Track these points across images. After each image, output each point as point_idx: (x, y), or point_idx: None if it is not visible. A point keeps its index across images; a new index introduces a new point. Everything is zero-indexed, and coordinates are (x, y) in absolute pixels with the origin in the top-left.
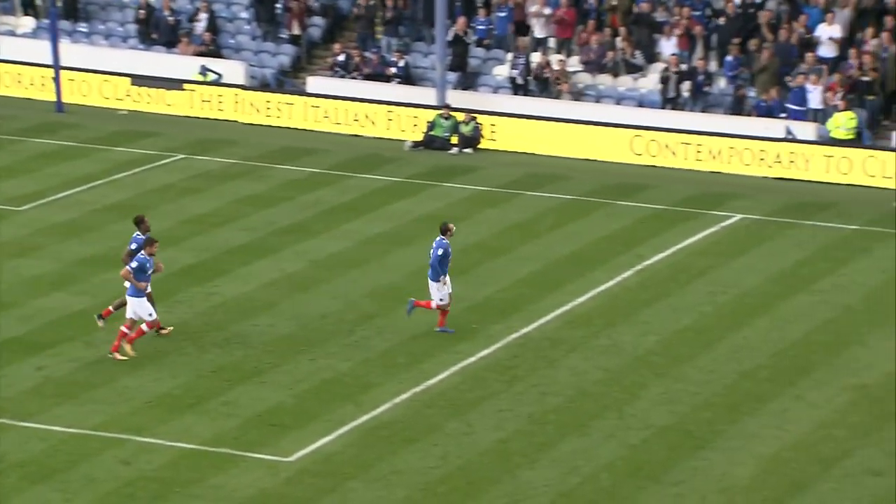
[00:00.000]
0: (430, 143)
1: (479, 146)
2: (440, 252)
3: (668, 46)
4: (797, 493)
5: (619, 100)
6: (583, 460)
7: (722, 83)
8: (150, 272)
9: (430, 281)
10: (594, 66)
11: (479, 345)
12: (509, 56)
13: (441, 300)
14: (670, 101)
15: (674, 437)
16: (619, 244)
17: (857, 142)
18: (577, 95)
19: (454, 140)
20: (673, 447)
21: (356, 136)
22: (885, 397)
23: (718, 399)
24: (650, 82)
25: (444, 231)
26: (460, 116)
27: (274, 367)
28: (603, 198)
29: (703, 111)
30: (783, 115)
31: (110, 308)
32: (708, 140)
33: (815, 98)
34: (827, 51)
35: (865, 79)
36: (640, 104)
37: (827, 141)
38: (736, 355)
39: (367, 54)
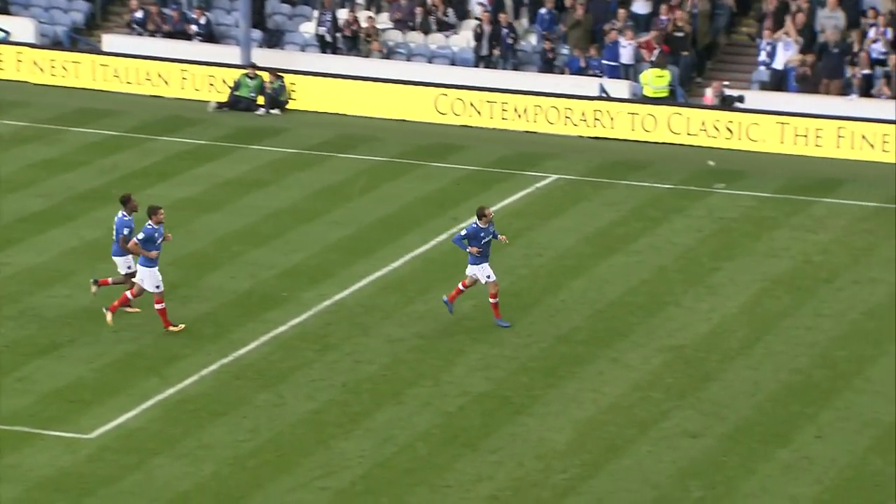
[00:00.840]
0: (235, 103)
1: (287, 107)
2: (463, 233)
3: (479, 3)
4: (614, 457)
5: (431, 58)
6: (398, 429)
7: (534, 40)
8: (159, 241)
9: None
10: (404, 24)
11: (289, 313)
12: (316, 13)
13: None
14: (483, 59)
15: (491, 403)
16: (434, 207)
17: (670, 99)
18: (388, 54)
19: (260, 101)
20: (490, 413)
21: (157, 97)
22: (700, 358)
23: (535, 363)
24: (462, 40)
25: (480, 216)
26: (266, 76)
27: (72, 341)
28: (415, 159)
29: (515, 69)
30: (597, 72)
31: (109, 280)
32: (514, 98)
33: (627, 54)
34: (640, 7)
35: (678, 35)
36: (453, 62)
37: (640, 99)
38: (553, 318)
39: (165, 11)
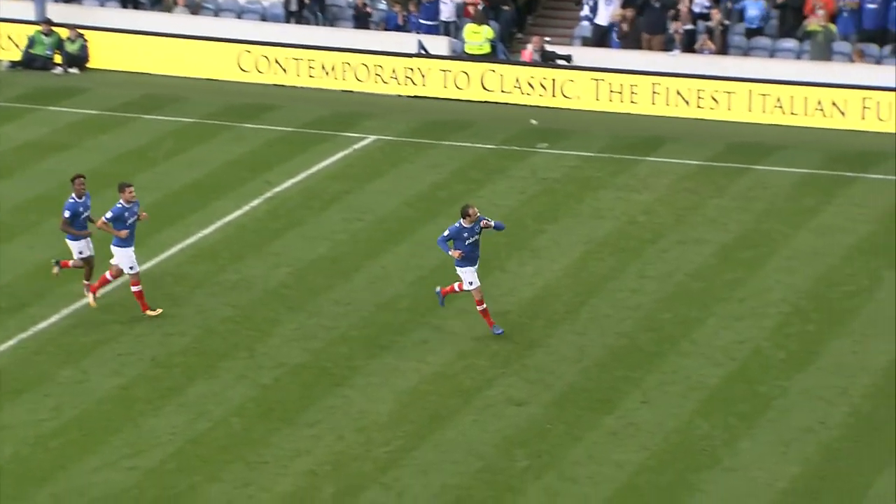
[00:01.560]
0: (30, 62)
1: (87, 65)
2: (445, 233)
3: None
4: (438, 427)
5: (241, 13)
6: (212, 404)
7: None
8: (130, 221)
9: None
10: None
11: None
12: None
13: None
14: (294, 15)
15: (308, 375)
16: (246, 170)
17: (491, 56)
18: (195, 9)
19: (58, 59)
20: (308, 386)
21: None
22: (525, 324)
23: (356, 333)
24: None
25: (464, 215)
26: (64, 33)
27: None
28: (225, 120)
29: (329, 25)
30: (415, 29)
31: (70, 263)
32: (322, 55)
33: (448, 11)
34: None
35: None
36: (263, 18)
37: (454, 56)
38: (374, 285)
39: None
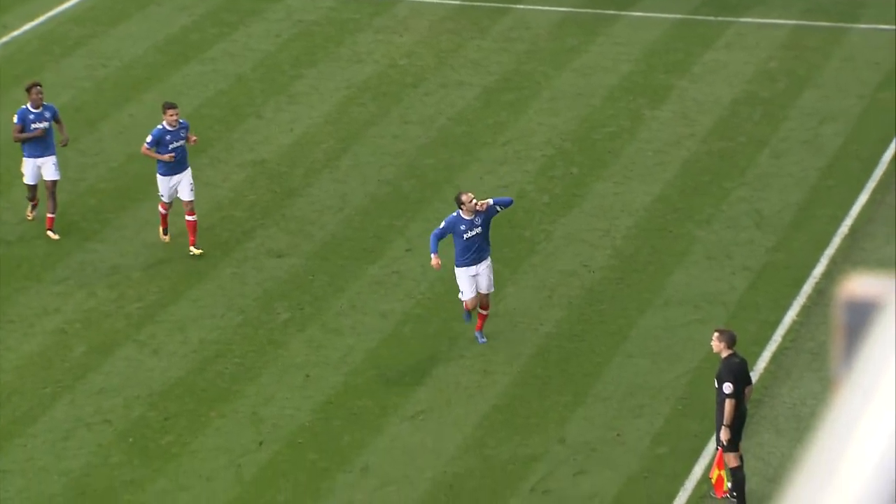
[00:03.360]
0: None
1: None
2: (440, 226)
3: None
4: (197, 282)
5: None
6: None
7: None
8: (173, 145)
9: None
10: None
11: None
12: None
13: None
14: None
15: (55, 228)
16: None
17: None
18: None
19: None
20: (55, 244)
21: None
22: (284, 173)
23: (105, 184)
24: None
25: (459, 204)
26: None
27: None
28: None
29: None
30: None
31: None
32: None
33: None
34: None
35: None
36: None
37: None
38: (122, 135)
39: None
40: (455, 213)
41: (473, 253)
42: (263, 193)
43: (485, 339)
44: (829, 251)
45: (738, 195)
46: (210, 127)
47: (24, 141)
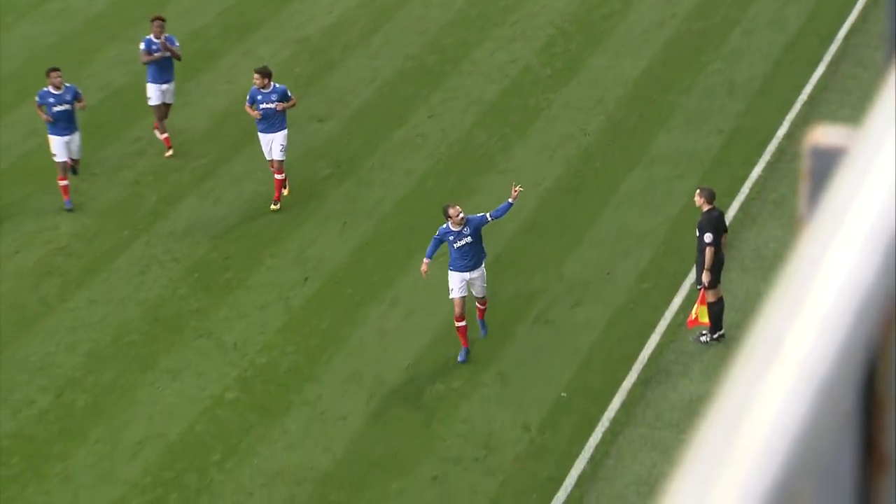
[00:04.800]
0: None
1: None
2: (436, 234)
3: None
4: (249, 143)
5: None
6: None
7: None
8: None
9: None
10: None
11: None
12: None
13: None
14: None
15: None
16: None
17: None
18: None
19: None
20: (130, 107)
21: None
22: (325, 49)
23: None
24: None
25: (446, 215)
26: None
27: None
28: None
29: None
30: None
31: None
32: None
33: None
34: None
35: None
36: None
37: None
38: (185, 15)
39: None
40: (445, 224)
41: (468, 260)
42: (307, 66)
43: (485, 331)
44: (791, 115)
45: (713, 68)
46: (259, 8)
47: (149, 63)
